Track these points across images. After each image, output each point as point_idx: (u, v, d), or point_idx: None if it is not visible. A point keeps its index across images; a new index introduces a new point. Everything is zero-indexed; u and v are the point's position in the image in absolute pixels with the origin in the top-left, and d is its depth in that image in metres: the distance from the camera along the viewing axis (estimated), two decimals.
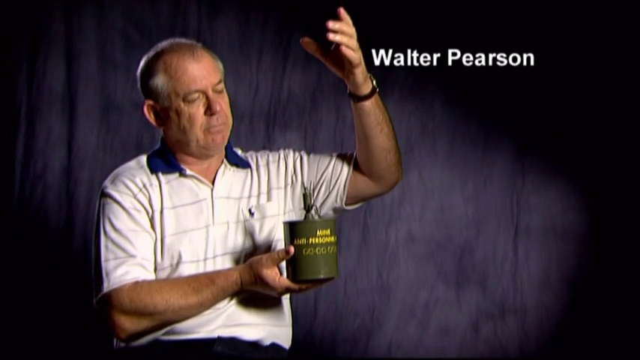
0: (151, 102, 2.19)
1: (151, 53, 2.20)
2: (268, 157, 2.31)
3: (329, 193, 2.25)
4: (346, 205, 2.28)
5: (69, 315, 3.15)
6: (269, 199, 2.24)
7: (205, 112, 2.15)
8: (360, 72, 2.08)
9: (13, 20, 3.26)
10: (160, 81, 2.16)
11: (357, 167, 2.25)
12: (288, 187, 2.27)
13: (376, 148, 2.18)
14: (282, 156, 2.30)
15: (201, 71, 2.15)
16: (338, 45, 2.02)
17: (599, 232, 3.33)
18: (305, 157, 2.29)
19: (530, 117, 3.34)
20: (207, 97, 2.15)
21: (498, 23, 3.32)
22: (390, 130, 2.17)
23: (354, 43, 2.03)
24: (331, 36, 2.00)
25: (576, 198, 3.36)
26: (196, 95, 2.15)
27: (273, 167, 2.28)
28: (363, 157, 2.22)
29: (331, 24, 2.00)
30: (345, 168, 2.25)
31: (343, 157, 2.27)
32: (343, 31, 2.01)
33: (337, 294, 3.34)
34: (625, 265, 3.27)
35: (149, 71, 2.18)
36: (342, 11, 2.01)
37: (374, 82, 2.13)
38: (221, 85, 2.18)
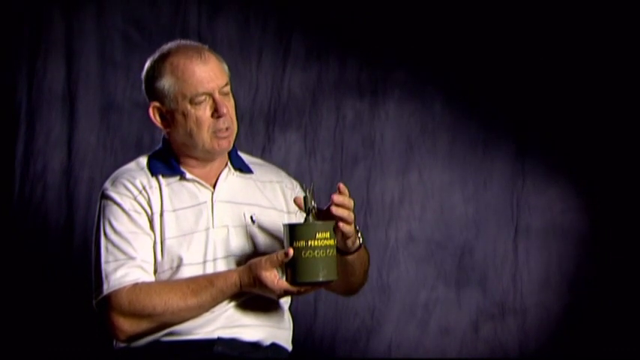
0: (157, 104, 2.18)
1: (157, 55, 2.19)
2: (296, 186, 2.34)
3: None
4: None
5: (69, 315, 3.15)
6: (277, 215, 2.25)
7: (212, 115, 2.15)
8: (352, 240, 2.13)
9: (13, 20, 3.25)
10: (166, 83, 2.15)
11: None
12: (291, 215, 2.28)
13: (340, 286, 2.24)
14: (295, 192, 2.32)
15: (208, 73, 2.14)
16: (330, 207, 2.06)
17: (599, 232, 3.33)
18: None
19: (531, 117, 3.34)
20: (214, 100, 2.15)
21: (498, 23, 3.32)
22: (362, 273, 2.25)
23: (351, 216, 2.08)
24: (334, 209, 2.05)
25: (576, 198, 3.35)
26: (203, 97, 2.14)
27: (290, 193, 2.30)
28: None
29: (336, 197, 2.05)
30: None
31: None
32: (344, 205, 2.06)
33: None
34: (625, 265, 3.27)
35: (155, 73, 2.17)
36: (342, 186, 2.07)
37: (360, 240, 2.17)
38: (227, 88, 2.18)
